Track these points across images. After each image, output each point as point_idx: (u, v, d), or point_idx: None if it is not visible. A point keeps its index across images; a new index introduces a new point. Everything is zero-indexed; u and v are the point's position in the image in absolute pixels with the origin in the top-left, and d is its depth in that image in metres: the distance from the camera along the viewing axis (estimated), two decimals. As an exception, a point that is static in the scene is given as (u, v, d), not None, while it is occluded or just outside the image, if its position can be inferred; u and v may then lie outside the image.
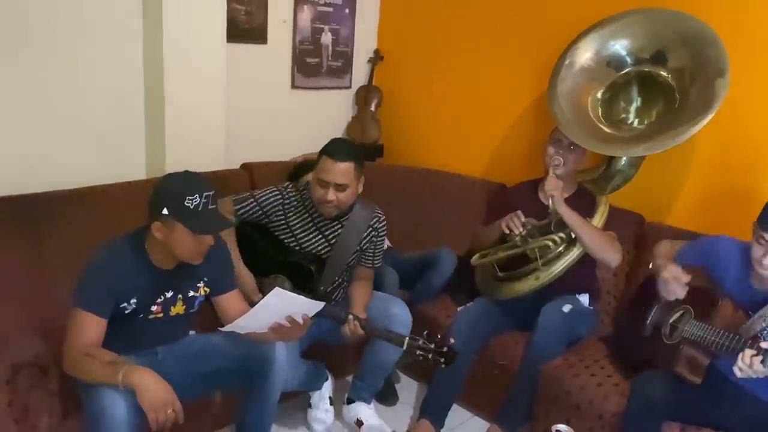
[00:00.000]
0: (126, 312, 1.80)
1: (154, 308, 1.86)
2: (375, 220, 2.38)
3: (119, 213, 2.37)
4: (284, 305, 1.81)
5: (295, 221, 2.33)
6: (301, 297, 1.79)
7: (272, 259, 2.33)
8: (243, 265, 2.30)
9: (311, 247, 2.33)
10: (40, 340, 1.93)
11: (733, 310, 1.90)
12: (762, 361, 1.69)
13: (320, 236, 2.34)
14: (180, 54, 2.66)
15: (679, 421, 1.96)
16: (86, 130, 2.62)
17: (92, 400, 1.64)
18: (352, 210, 2.33)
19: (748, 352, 1.72)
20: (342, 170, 2.19)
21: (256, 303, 1.77)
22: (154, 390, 1.63)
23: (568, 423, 2.12)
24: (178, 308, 1.91)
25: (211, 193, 1.76)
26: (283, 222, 2.34)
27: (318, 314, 1.90)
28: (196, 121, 2.79)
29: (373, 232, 2.38)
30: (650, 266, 2.15)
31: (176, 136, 2.76)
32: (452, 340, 2.10)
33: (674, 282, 1.99)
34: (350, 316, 2.15)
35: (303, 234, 2.34)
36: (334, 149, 2.23)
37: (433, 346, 2.06)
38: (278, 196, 2.34)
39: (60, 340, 1.92)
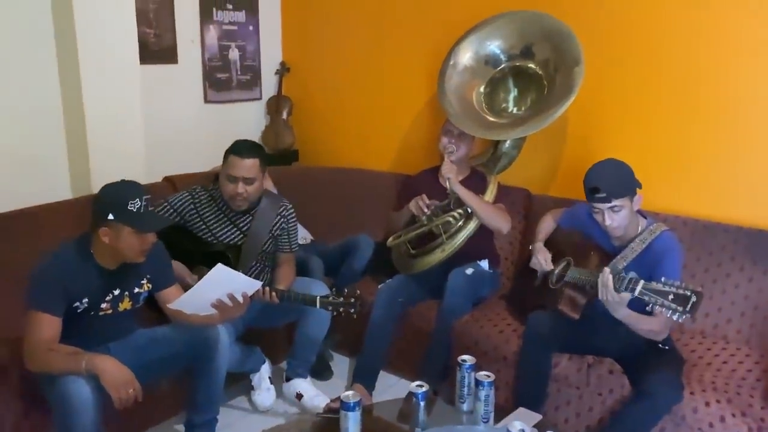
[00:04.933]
0: (78, 311, 1.98)
1: (103, 305, 2.04)
2: (282, 208, 2.65)
3: (53, 233, 2.42)
4: (225, 282, 2.05)
5: (209, 215, 2.58)
6: (241, 274, 2.06)
7: (193, 253, 2.55)
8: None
9: (226, 238, 2.58)
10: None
11: (603, 257, 2.30)
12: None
13: (233, 227, 2.58)
14: (96, 79, 2.81)
15: (566, 351, 2.34)
16: (8, 156, 2.73)
17: (57, 387, 1.82)
18: (260, 203, 2.60)
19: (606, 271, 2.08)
20: (248, 166, 2.45)
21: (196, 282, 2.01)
22: (116, 372, 1.84)
23: (479, 369, 2.47)
24: (126, 304, 2.11)
25: (148, 196, 1.99)
26: (197, 218, 2.57)
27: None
28: (117, 140, 2.93)
29: (282, 220, 2.64)
30: (530, 247, 2.55)
31: (99, 156, 2.90)
32: (358, 291, 2.34)
33: (542, 258, 2.44)
34: (262, 288, 2.30)
35: (217, 226, 2.58)
36: (239, 148, 2.49)
37: (341, 299, 2.33)
38: (188, 197, 2.60)
39: (12, 346, 2.08)
